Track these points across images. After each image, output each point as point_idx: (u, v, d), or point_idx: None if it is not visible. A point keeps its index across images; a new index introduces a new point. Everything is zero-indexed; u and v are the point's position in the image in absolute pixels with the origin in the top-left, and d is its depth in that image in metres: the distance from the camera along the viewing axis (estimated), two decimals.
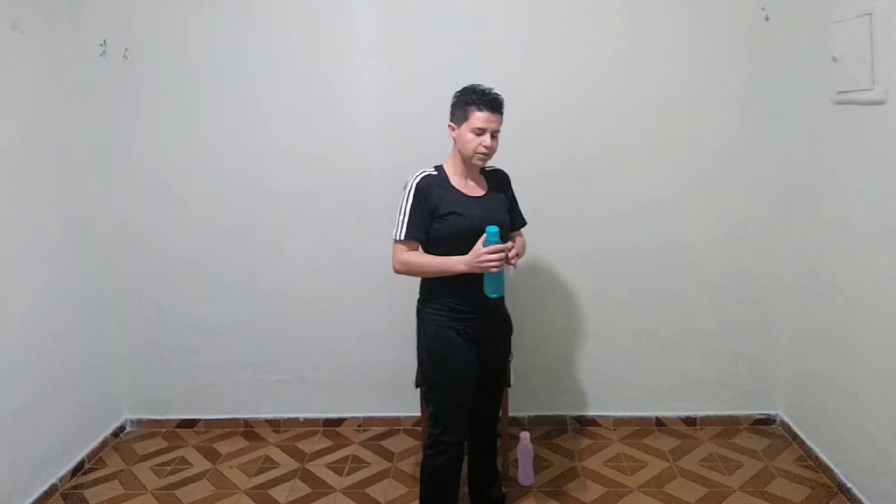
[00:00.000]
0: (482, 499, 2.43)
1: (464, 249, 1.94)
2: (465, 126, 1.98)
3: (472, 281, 1.97)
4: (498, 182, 2.18)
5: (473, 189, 2.09)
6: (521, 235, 2.29)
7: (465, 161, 2.04)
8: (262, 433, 3.12)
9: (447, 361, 2.06)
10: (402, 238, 2.00)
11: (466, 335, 2.08)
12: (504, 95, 2.72)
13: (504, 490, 2.52)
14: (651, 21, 2.69)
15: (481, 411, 2.29)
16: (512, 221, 2.19)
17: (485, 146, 1.96)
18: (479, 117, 1.95)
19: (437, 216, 2.01)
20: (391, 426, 3.10)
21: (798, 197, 2.72)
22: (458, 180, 2.06)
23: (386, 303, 2.96)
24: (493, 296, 1.97)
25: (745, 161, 2.77)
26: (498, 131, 2.00)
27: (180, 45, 2.81)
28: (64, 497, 2.65)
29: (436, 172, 2.07)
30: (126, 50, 2.82)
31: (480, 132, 1.96)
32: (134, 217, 2.97)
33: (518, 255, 1.99)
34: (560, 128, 2.80)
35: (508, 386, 2.55)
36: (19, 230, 2.52)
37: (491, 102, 1.96)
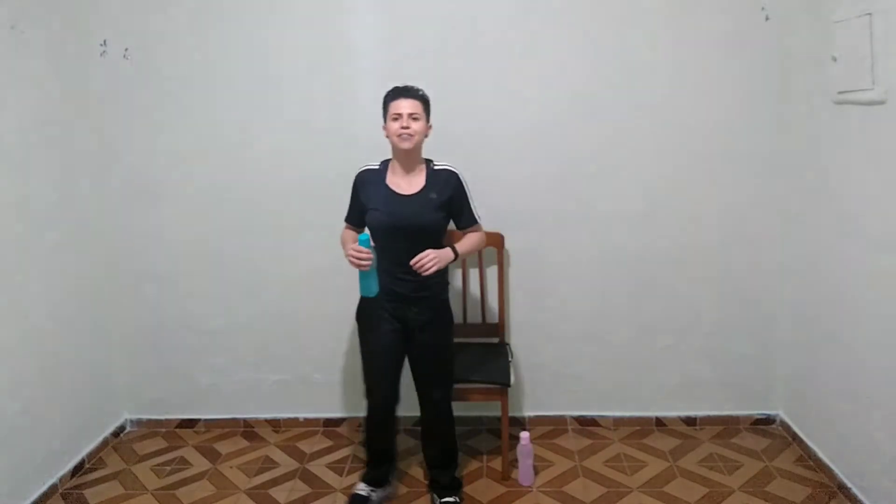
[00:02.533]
0: (431, 481, 2.52)
1: (385, 243, 2.23)
2: (387, 119, 2.23)
3: (392, 271, 2.23)
4: (439, 182, 2.29)
5: (406, 186, 2.27)
6: (473, 234, 2.39)
7: (397, 152, 2.26)
8: (262, 433, 3.11)
9: (365, 332, 2.39)
10: (344, 220, 2.42)
11: (394, 318, 2.31)
12: (504, 96, 2.77)
13: (458, 476, 2.56)
14: (651, 21, 2.69)
15: (418, 390, 2.44)
16: (456, 221, 2.36)
17: (402, 126, 2.17)
18: (393, 106, 2.21)
19: (366, 209, 2.29)
20: None
21: (798, 197, 2.72)
22: (392, 177, 2.29)
23: None
24: (363, 294, 2.23)
25: (745, 161, 2.77)
26: (416, 115, 2.19)
27: (180, 45, 2.81)
28: (64, 497, 2.65)
29: (377, 167, 2.33)
30: (126, 50, 2.82)
31: (397, 116, 2.19)
32: (134, 217, 2.97)
33: (434, 265, 2.15)
34: (559, 128, 2.80)
35: (508, 386, 2.55)
36: (19, 230, 2.52)
37: (401, 90, 2.22)
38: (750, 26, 2.66)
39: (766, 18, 2.65)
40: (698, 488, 2.55)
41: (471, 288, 2.92)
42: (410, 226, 2.21)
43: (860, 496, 2.35)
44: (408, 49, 2.76)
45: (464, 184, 2.33)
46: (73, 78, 2.81)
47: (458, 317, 2.92)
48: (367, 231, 2.26)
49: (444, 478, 2.48)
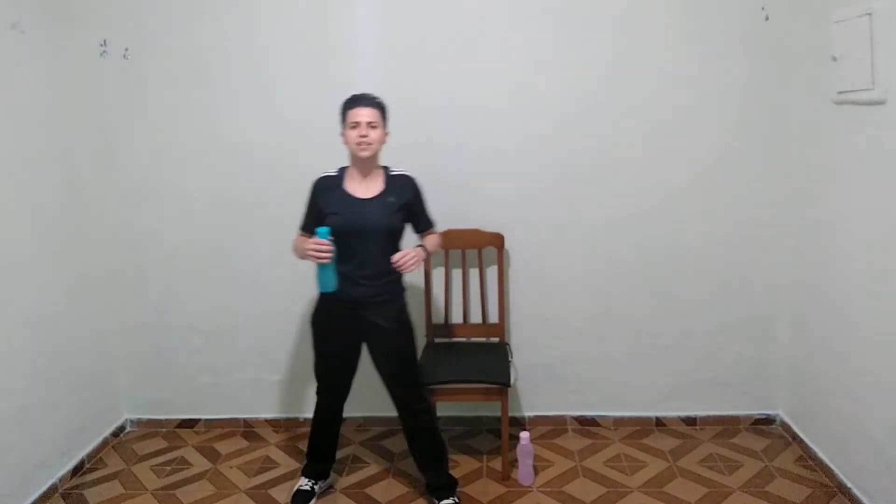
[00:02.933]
0: (427, 482, 2.52)
1: (344, 247, 2.20)
2: (345, 127, 2.25)
3: (351, 276, 2.24)
4: (396, 187, 2.32)
5: (365, 190, 2.28)
6: (433, 234, 2.45)
7: (355, 159, 2.28)
8: (262, 433, 3.12)
9: (318, 332, 2.40)
10: (299, 228, 2.40)
11: (352, 323, 2.32)
12: (505, 100, 2.77)
13: (451, 472, 2.54)
14: (650, 22, 2.69)
15: (391, 394, 2.45)
16: (415, 224, 2.40)
17: (360, 136, 2.19)
18: (351, 114, 2.23)
19: (325, 214, 2.26)
20: (391, 426, 3.09)
21: (798, 197, 2.72)
22: (350, 182, 2.30)
23: None
24: (321, 290, 2.22)
25: (744, 161, 2.77)
26: (374, 123, 2.22)
27: (180, 45, 2.81)
28: (64, 497, 2.65)
29: (335, 174, 2.34)
30: (126, 50, 2.82)
31: (355, 125, 2.21)
32: (134, 217, 2.97)
33: (417, 259, 2.23)
34: (561, 131, 2.80)
35: (508, 386, 2.55)
36: (19, 230, 2.52)
37: (359, 99, 2.24)
38: (750, 26, 2.66)
39: (766, 18, 2.65)
40: (698, 488, 2.55)
41: (471, 288, 2.92)
42: (370, 228, 2.23)
43: (860, 496, 2.35)
44: (407, 51, 2.76)
45: (420, 188, 2.37)
46: (73, 78, 2.81)
47: (458, 317, 2.93)
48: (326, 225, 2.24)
49: (438, 478, 2.48)
